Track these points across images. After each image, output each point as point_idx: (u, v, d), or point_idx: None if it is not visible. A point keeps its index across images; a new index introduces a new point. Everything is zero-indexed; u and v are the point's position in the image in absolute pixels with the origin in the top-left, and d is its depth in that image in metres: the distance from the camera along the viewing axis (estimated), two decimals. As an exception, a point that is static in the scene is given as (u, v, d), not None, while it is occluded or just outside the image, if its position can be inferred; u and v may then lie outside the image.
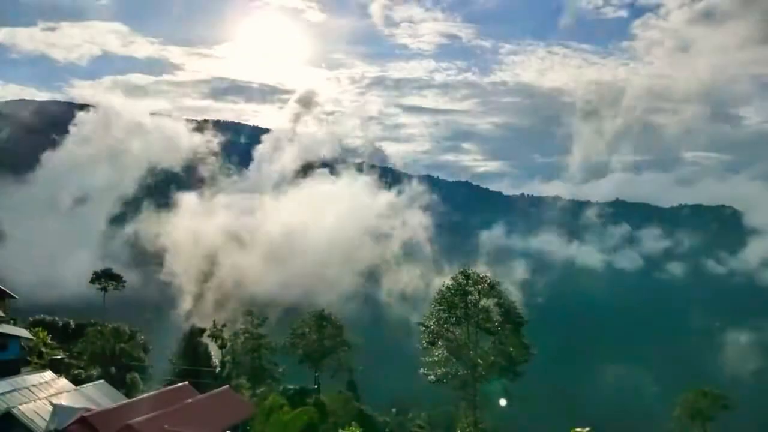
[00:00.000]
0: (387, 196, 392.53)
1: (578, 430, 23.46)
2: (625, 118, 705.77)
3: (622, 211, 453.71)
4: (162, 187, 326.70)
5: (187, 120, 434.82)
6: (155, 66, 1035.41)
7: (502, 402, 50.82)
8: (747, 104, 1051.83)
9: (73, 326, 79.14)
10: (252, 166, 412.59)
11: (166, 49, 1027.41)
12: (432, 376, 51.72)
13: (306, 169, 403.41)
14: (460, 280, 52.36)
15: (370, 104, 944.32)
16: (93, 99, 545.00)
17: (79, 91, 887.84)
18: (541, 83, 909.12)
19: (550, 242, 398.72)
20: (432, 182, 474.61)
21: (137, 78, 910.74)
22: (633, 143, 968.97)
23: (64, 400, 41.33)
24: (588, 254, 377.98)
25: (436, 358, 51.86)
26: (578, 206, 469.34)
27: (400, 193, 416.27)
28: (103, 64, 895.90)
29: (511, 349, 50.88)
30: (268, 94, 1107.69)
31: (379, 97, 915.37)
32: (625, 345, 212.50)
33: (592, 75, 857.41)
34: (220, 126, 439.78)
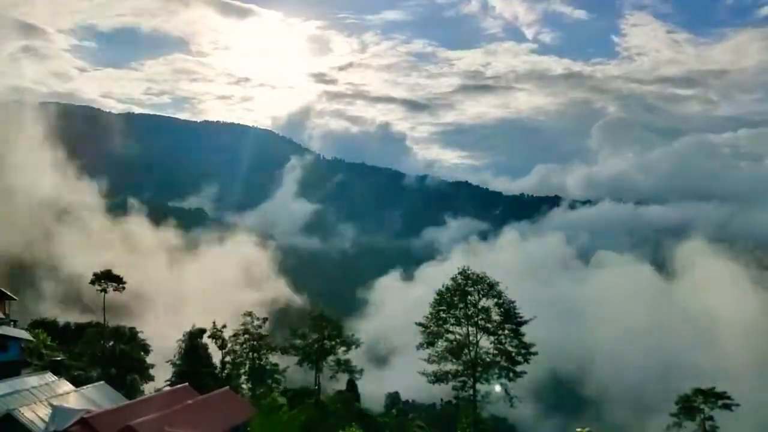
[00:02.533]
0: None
1: (579, 429, 23.49)
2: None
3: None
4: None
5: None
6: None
7: (502, 401, 50.88)
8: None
9: (73, 327, 79.18)
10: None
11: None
12: (431, 377, 51.74)
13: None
14: (460, 281, 52.39)
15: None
16: None
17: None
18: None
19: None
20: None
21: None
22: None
23: (64, 402, 41.33)
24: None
25: (435, 358, 51.87)
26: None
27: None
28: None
29: (511, 349, 50.90)
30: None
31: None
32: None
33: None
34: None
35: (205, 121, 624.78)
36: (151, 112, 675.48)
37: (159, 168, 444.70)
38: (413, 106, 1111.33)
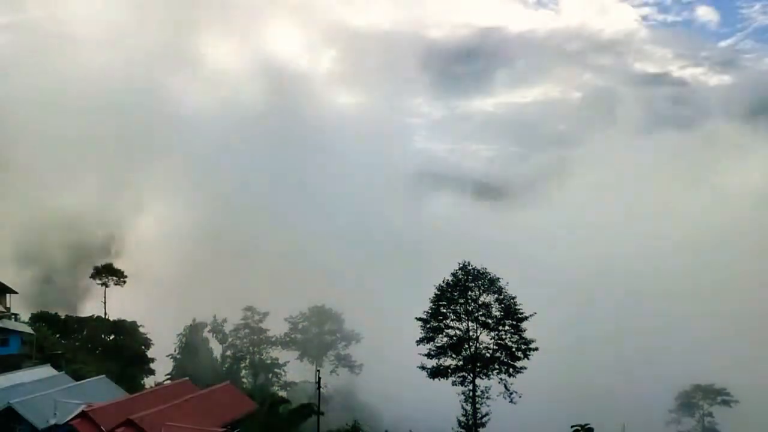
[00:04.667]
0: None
1: (578, 427, 23.50)
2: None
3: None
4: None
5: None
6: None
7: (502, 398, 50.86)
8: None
9: (74, 320, 79.07)
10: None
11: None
12: (430, 372, 51.76)
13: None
14: (460, 276, 52.27)
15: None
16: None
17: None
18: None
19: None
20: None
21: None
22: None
23: (65, 395, 41.43)
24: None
25: (434, 353, 51.88)
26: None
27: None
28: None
29: (511, 344, 50.87)
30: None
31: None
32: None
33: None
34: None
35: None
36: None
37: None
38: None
